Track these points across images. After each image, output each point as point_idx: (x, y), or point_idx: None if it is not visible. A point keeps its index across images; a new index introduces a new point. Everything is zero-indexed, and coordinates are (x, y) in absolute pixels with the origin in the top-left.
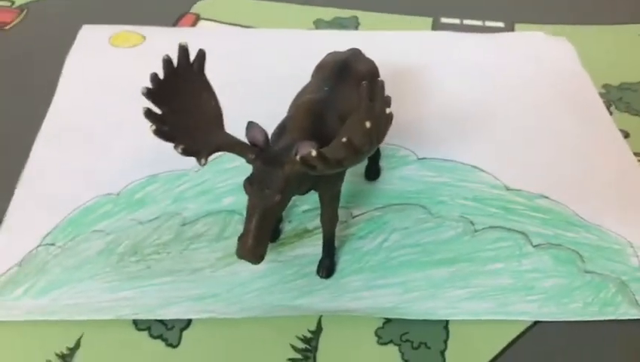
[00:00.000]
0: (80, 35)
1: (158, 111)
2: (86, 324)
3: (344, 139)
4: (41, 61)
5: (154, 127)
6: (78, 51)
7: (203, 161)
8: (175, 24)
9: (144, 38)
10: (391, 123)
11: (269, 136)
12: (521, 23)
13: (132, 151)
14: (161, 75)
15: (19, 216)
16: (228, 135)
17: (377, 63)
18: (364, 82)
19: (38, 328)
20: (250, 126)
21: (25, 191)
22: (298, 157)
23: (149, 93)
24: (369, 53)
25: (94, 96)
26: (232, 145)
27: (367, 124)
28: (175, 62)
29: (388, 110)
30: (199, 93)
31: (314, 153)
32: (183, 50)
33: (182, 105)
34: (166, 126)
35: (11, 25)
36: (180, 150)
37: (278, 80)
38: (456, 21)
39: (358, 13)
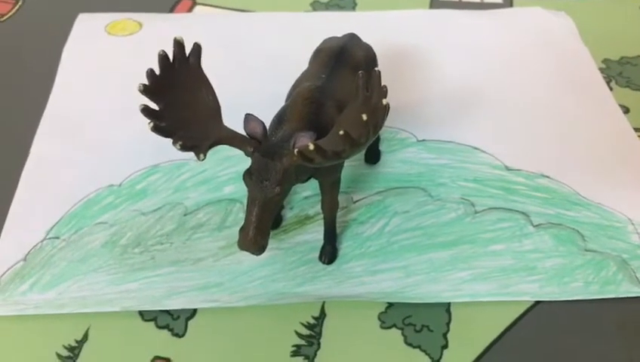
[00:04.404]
0: (76, 24)
1: (155, 107)
2: (93, 317)
3: (341, 132)
4: (39, 52)
5: (152, 124)
6: (75, 41)
7: (202, 156)
8: (171, 10)
9: (141, 25)
10: (387, 114)
11: (268, 126)
12: None
13: (133, 141)
14: (157, 71)
15: (22, 210)
16: (226, 128)
17: (375, 44)
18: (360, 72)
19: (45, 321)
20: (248, 118)
21: (27, 185)
22: (295, 151)
23: (146, 90)
24: (367, 34)
25: (93, 86)
26: (230, 139)
27: (364, 117)
28: (171, 56)
29: (384, 101)
30: (196, 87)
31: (311, 146)
32: (179, 45)
33: (179, 100)
34: (164, 122)
35: (7, 16)
36: (178, 146)
37: (277, 63)
38: None
39: None
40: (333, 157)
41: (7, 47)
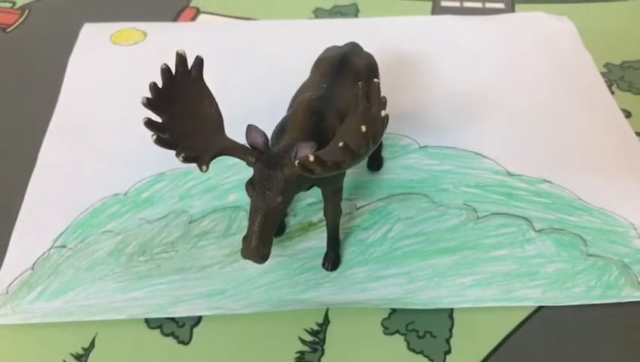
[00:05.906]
0: (82, 34)
1: (158, 119)
2: (99, 324)
3: (341, 144)
4: (45, 62)
5: (155, 136)
6: (81, 51)
7: (204, 167)
8: (175, 19)
9: (145, 34)
10: (387, 125)
11: (270, 135)
12: (522, 3)
13: (138, 150)
14: (159, 84)
15: (30, 219)
16: (228, 139)
17: (377, 51)
18: (359, 83)
19: (53, 329)
20: (250, 129)
21: (35, 194)
22: (296, 162)
23: (149, 103)
24: (369, 40)
25: (99, 96)
26: (232, 150)
27: (364, 128)
28: (173, 69)
29: (383, 112)
30: (199, 99)
31: (311, 157)
32: (181, 58)
33: (182, 112)
34: (167, 134)
35: (14, 26)
36: (181, 158)
37: (280, 71)
38: (456, 4)
39: (358, 0)
40: (333, 167)
41: (13, 57)
